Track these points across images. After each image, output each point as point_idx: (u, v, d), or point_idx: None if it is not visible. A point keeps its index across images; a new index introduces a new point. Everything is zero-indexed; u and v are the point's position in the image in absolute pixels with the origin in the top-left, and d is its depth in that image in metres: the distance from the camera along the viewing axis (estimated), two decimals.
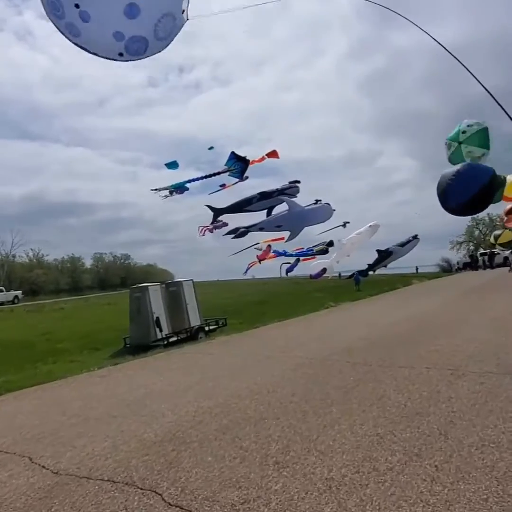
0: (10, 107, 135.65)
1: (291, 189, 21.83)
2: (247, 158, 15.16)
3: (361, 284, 27.04)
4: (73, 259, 75.20)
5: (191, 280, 17.65)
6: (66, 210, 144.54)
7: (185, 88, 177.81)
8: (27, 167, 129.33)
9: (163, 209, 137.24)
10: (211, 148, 16.10)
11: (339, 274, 46.48)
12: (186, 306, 16.46)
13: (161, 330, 14.32)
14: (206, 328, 16.40)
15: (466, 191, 6.55)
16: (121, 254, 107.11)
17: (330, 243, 36.49)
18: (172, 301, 16.51)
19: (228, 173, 14.78)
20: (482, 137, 7.31)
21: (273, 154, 15.52)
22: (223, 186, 15.67)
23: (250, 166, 13.95)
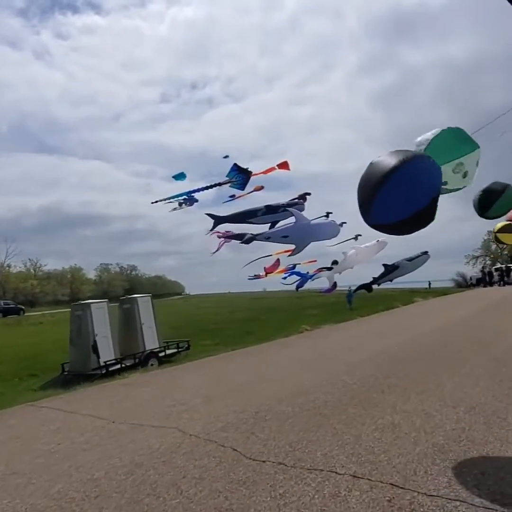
0: (29, 122, 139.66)
1: (297, 206, 21.83)
2: (249, 170, 14.40)
3: (359, 298, 24.66)
4: (74, 270, 74.02)
5: (149, 296, 15.42)
6: (82, 222, 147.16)
7: (197, 103, 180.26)
8: (45, 180, 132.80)
9: (177, 221, 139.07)
10: (226, 157, 14.83)
11: (349, 288, 44.99)
12: (141, 326, 14.16)
13: (98, 357, 11.98)
14: (163, 353, 13.99)
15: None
16: (128, 265, 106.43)
17: (334, 262, 34.39)
18: (125, 320, 14.26)
19: (229, 184, 13.84)
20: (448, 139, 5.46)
21: (284, 165, 14.64)
22: (233, 196, 15.24)
23: (262, 176, 13.55)
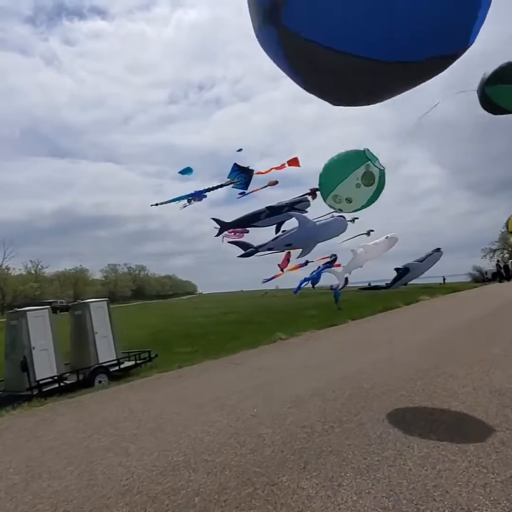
0: (41, 127, 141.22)
1: (301, 204, 19.98)
2: (250, 168, 15.04)
3: (363, 295, 22.84)
4: (78, 271, 73.11)
5: (105, 300, 13.51)
6: (95, 223, 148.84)
7: (205, 104, 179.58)
8: (58, 182, 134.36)
9: (190, 220, 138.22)
10: (239, 150, 15.64)
11: (369, 284, 43.27)
12: (93, 336, 12.33)
13: (28, 375, 10.17)
14: (117, 367, 12.13)
15: None
16: (136, 265, 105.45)
17: (334, 259, 32.82)
18: (77, 329, 12.48)
19: (232, 185, 14.72)
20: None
21: (294, 162, 15.04)
22: (242, 193, 16.09)
23: (273, 173, 14.06)
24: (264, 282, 30.81)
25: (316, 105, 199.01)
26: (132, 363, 12.69)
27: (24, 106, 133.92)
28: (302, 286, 34.51)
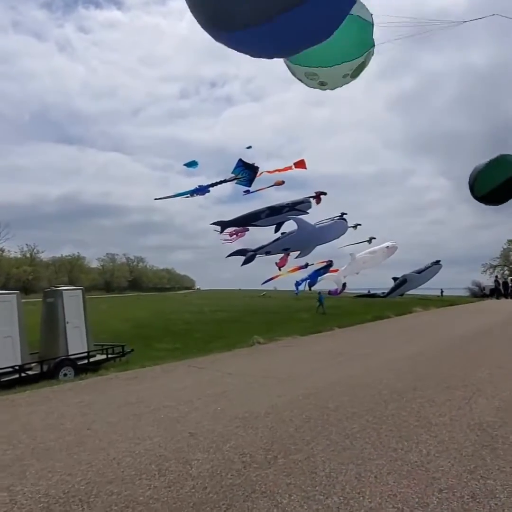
0: (51, 113, 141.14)
1: (302, 205, 20.13)
2: (255, 165, 15.13)
3: (355, 303, 22.33)
4: (73, 258, 72.35)
5: (81, 289, 12.86)
6: (100, 212, 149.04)
7: (216, 100, 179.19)
8: (65, 169, 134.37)
9: (194, 215, 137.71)
10: (249, 147, 15.39)
11: (369, 291, 42.90)
12: (64, 326, 11.66)
13: None
14: (86, 360, 11.44)
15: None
16: (135, 256, 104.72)
17: (330, 264, 32.35)
18: (48, 317, 11.83)
19: (235, 181, 14.77)
20: None
21: (300, 164, 14.99)
22: (247, 191, 16.22)
23: (278, 174, 14.78)
24: (263, 283, 30.64)
25: (328, 109, 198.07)
26: (103, 357, 12.04)
27: (35, 91, 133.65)
28: (300, 288, 34.24)
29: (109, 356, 12.22)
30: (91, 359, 11.74)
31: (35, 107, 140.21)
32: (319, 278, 32.55)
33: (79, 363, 11.25)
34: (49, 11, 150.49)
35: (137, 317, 26.28)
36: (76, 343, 11.74)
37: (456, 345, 9.48)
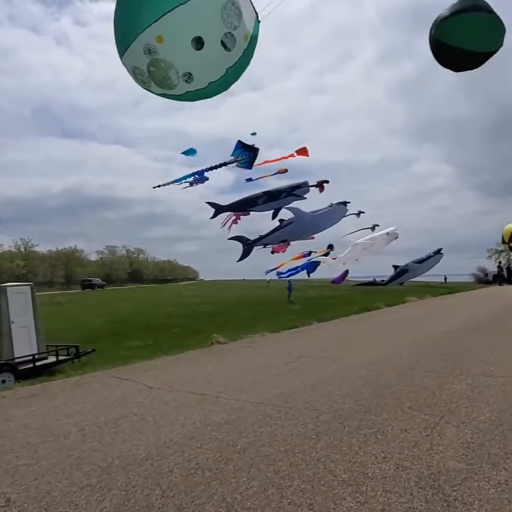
0: (51, 107, 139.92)
1: (300, 189, 19.36)
2: (255, 146, 14.93)
3: (348, 292, 21.09)
4: (70, 252, 71.23)
5: (29, 285, 11.67)
6: (103, 204, 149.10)
7: None
8: (67, 163, 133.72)
9: (196, 207, 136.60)
10: (253, 133, 16.13)
11: (374, 279, 41.99)
12: (9, 326, 10.55)
13: None
14: (31, 364, 10.23)
15: None
16: (135, 248, 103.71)
17: (330, 247, 30.72)
18: None
19: (235, 164, 14.59)
20: None
21: (302, 151, 14.85)
22: (250, 179, 16.40)
23: (281, 162, 14.58)
24: (268, 272, 29.87)
25: (329, 97, 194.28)
26: (51, 360, 10.86)
27: (35, 85, 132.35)
28: (268, 276, 33.85)
29: (60, 358, 11.06)
30: (39, 363, 10.60)
31: (35, 102, 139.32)
32: (314, 259, 31.41)
33: (21, 368, 10.09)
34: (44, 5, 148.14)
35: (117, 311, 25.17)
36: (23, 345, 10.69)
37: (439, 344, 8.04)
